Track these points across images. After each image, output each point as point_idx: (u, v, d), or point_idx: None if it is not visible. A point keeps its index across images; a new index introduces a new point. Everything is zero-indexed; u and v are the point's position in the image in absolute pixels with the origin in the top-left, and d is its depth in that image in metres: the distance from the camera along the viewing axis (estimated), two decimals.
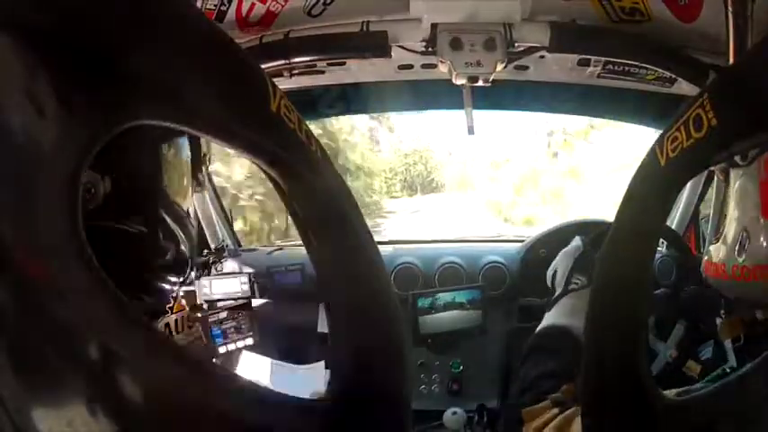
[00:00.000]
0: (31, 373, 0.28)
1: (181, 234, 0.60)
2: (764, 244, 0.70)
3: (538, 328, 0.91)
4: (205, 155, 0.69)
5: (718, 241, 0.80)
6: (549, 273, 1.07)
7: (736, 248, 0.74)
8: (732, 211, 0.77)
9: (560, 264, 1.05)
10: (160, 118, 0.34)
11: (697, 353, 1.21)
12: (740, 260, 0.73)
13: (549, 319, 0.92)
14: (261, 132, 0.39)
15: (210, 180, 1.78)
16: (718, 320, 0.94)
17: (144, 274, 0.57)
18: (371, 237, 0.47)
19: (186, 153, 0.64)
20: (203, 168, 0.68)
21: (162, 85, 0.33)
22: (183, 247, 0.60)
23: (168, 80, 0.33)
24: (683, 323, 1.27)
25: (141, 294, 0.58)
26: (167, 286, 0.61)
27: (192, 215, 0.65)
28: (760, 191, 0.72)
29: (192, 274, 0.66)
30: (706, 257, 0.84)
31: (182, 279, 0.63)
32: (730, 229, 0.77)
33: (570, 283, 0.98)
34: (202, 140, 0.67)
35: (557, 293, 0.99)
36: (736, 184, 0.77)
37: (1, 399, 0.28)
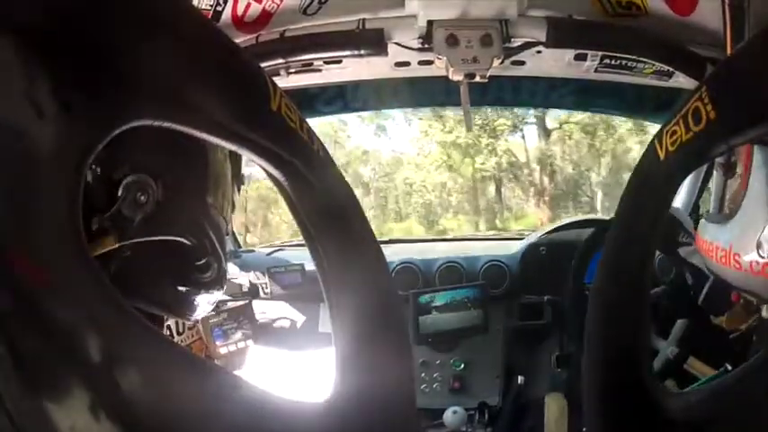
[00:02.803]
0: (31, 375, 0.27)
1: (221, 251, 0.55)
2: None
3: None
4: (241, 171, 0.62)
5: (726, 223, 0.70)
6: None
7: (760, 242, 0.63)
8: (755, 198, 0.65)
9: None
10: (161, 118, 0.34)
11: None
12: (763, 257, 0.63)
13: None
14: (262, 132, 0.39)
15: None
16: (724, 315, 0.91)
17: (182, 288, 0.53)
18: (373, 235, 0.47)
19: (228, 163, 0.58)
20: (241, 180, 0.63)
21: (162, 85, 0.33)
22: (223, 264, 0.55)
23: (169, 80, 0.33)
24: (684, 320, 1.27)
25: (172, 309, 0.54)
26: (201, 304, 0.56)
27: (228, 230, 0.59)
28: None
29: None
30: (707, 238, 0.73)
31: (216, 297, 0.57)
32: (753, 218, 0.66)
33: None
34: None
35: None
36: (765, 167, 0.64)
37: (2, 400, 0.27)
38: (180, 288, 0.53)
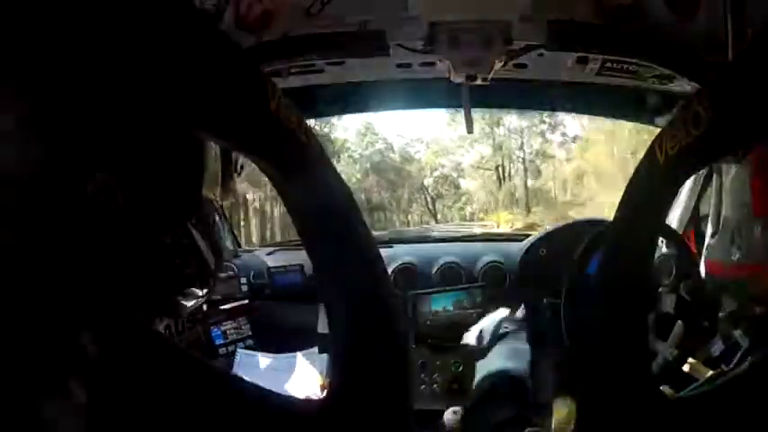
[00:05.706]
0: (30, 375, 0.27)
1: (204, 245, 0.55)
2: (757, 242, 0.71)
3: (485, 373, 0.93)
4: (237, 162, 0.63)
5: (714, 237, 0.81)
6: (473, 333, 1.09)
7: (731, 247, 0.75)
8: (725, 209, 0.78)
9: (485, 321, 1.11)
10: (158, 118, 0.34)
11: (706, 350, 1.21)
12: (735, 258, 0.74)
13: (494, 363, 0.94)
14: (260, 133, 0.39)
15: None
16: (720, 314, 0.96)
17: (166, 286, 0.53)
18: (371, 236, 0.47)
19: (216, 158, 0.59)
20: (234, 176, 0.63)
21: (159, 85, 0.33)
22: (206, 258, 0.55)
23: (166, 80, 0.33)
24: (683, 322, 1.27)
25: (162, 309, 0.55)
26: (188, 302, 0.57)
27: (215, 223, 0.60)
28: (751, 189, 0.72)
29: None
30: (706, 253, 0.85)
31: (204, 293, 0.58)
32: (724, 226, 0.78)
33: (500, 328, 1.03)
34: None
35: (487, 341, 1.03)
36: (727, 180, 0.77)
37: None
38: (166, 287, 0.53)
